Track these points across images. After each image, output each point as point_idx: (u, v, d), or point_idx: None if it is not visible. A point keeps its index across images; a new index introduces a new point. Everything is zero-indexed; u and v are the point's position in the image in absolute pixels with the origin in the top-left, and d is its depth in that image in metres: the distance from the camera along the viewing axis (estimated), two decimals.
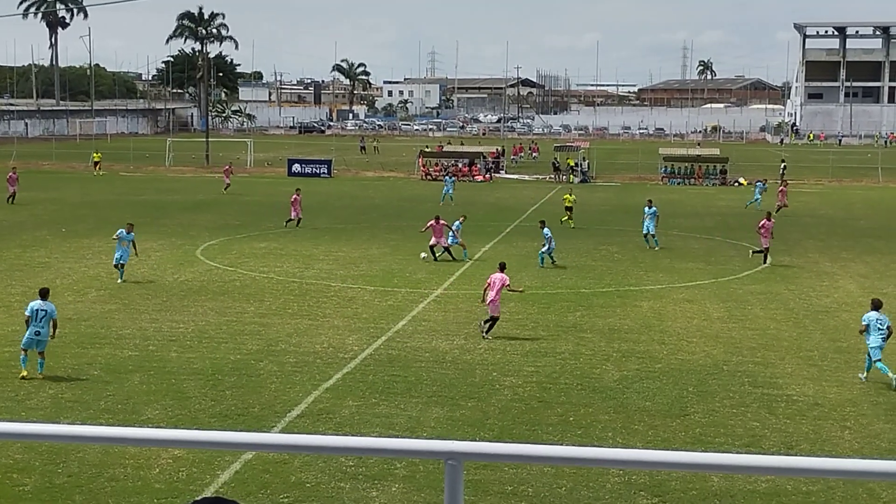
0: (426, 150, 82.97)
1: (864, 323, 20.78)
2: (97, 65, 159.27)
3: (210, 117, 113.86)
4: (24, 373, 19.88)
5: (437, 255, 34.35)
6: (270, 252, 36.69)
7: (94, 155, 76.87)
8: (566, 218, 44.55)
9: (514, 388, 19.87)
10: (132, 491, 14.39)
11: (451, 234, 35.05)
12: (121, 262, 30.09)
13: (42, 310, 20.20)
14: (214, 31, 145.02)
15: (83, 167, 78.33)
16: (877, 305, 21.05)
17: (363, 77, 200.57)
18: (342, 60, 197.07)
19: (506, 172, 78.25)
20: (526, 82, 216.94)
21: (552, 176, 74.40)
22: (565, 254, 35.61)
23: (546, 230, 34.04)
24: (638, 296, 29.52)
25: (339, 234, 41.65)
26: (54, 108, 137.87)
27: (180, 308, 26.71)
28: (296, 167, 74.02)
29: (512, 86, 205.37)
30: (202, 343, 23.02)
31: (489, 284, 24.62)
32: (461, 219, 36.81)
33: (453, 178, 58.88)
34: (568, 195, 47.35)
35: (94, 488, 14.43)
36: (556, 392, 19.72)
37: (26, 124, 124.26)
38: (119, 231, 30.57)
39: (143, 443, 2.93)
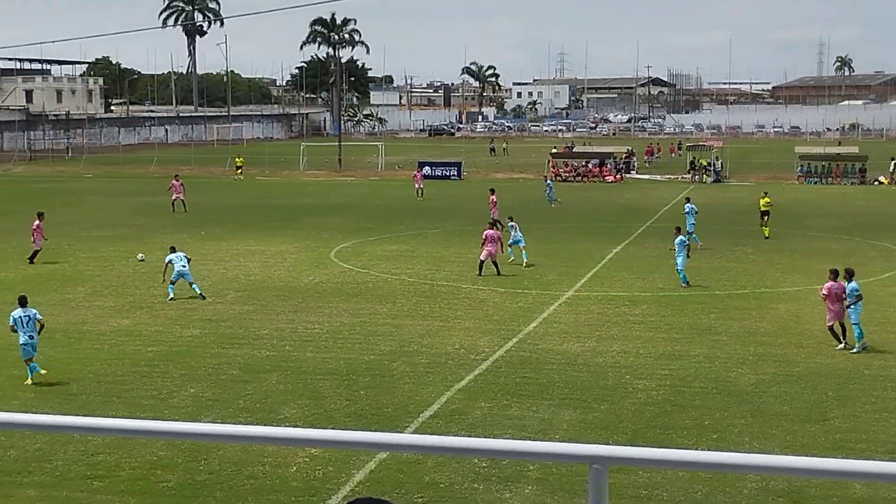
0: (555, 151, 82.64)
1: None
2: (233, 71, 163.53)
3: (342, 121, 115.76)
4: (29, 381, 20.07)
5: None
6: (402, 254, 37.07)
7: (237, 160, 79.02)
8: (762, 225, 41.11)
9: (647, 391, 19.64)
10: (270, 489, 14.72)
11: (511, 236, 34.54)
12: (183, 277, 28.71)
13: (25, 316, 20.21)
14: (346, 36, 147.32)
15: (221, 171, 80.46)
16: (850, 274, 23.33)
17: (492, 79, 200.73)
18: (471, 63, 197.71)
19: (636, 173, 77.37)
20: (656, 81, 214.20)
21: (686, 175, 73.21)
22: (698, 255, 34.99)
23: (681, 237, 31.30)
24: (774, 298, 28.84)
25: (470, 236, 41.74)
26: (192, 114, 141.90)
27: (315, 309, 27.20)
28: (426, 170, 74.53)
29: (642, 85, 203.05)
30: (336, 343, 23.40)
31: (485, 239, 30.95)
32: (509, 220, 36.30)
33: (550, 182, 57.51)
34: (764, 197, 42.36)
35: (233, 485, 14.81)
36: (690, 395, 19.41)
37: (166, 130, 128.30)
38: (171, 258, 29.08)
39: (281, 441, 2.98)
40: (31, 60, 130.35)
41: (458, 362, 21.70)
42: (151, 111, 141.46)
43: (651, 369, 21.21)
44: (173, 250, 29.11)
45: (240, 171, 77.38)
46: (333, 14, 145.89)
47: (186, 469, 15.37)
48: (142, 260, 34.47)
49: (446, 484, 14.78)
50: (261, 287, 30.32)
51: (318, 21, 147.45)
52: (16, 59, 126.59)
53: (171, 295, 28.29)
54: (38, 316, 20.52)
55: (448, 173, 74.98)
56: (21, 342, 20.12)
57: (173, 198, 52.00)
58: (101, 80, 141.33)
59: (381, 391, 19.60)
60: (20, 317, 20.20)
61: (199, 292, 28.40)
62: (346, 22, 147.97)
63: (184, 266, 28.26)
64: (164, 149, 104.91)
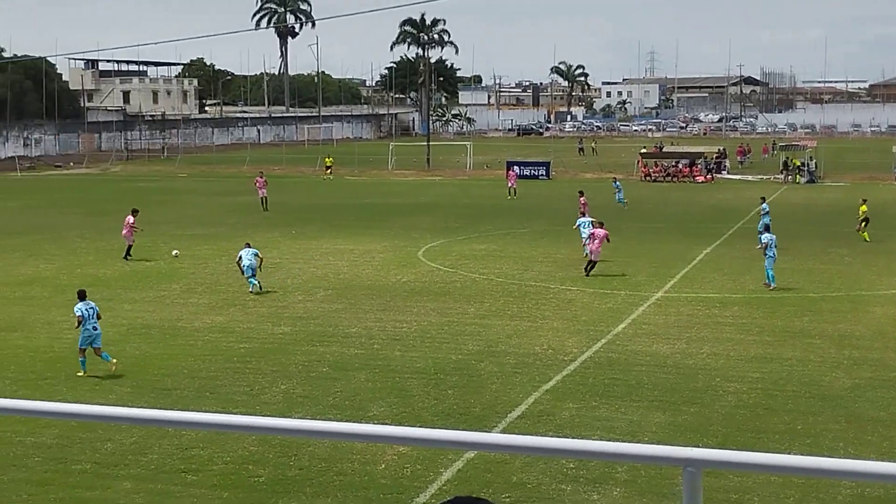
0: (645, 150, 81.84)
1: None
2: (324, 72, 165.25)
3: (431, 121, 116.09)
4: (82, 373, 20.81)
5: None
6: (490, 254, 37.09)
7: (327, 160, 79.83)
8: (859, 230, 39.85)
9: (738, 395, 19.37)
10: (359, 486, 14.86)
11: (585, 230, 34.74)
12: (250, 273, 29.41)
13: (90, 308, 21.11)
14: (436, 36, 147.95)
15: (311, 171, 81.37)
16: None
17: (581, 79, 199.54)
18: (560, 63, 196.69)
19: (728, 173, 76.24)
20: (749, 80, 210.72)
21: (779, 176, 71.91)
22: (791, 257, 34.37)
23: (764, 236, 30.86)
24: (870, 301, 28.20)
25: (558, 235, 41.62)
26: (284, 114, 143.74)
27: (403, 308, 27.37)
28: (514, 169, 74.39)
29: (734, 84, 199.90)
30: (424, 342, 23.52)
31: (593, 236, 31.70)
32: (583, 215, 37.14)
33: (619, 183, 56.25)
34: (862, 205, 40.74)
35: (323, 481, 14.99)
36: (782, 399, 19.09)
37: (258, 130, 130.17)
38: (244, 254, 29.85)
39: (370, 438, 3.02)
40: (128, 62, 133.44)
41: (546, 363, 21.65)
42: (244, 112, 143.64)
43: (742, 372, 20.92)
44: (248, 246, 30.33)
45: (329, 171, 78.09)
46: (423, 14, 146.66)
47: (277, 464, 15.61)
48: (176, 256, 35.32)
49: (534, 484, 14.77)
50: (350, 285, 30.61)
51: (408, 21, 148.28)
52: (114, 60, 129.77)
53: (251, 288, 29.29)
54: (97, 310, 21.42)
55: (536, 173, 74.75)
56: (84, 333, 20.88)
57: (260, 195, 52.83)
58: (195, 81, 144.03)
59: (469, 391, 19.66)
60: (85, 309, 21.05)
61: (258, 286, 29.33)
62: (435, 22, 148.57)
63: (251, 261, 29.31)
64: (256, 149, 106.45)
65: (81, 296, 21.62)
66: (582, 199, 44.17)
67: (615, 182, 55.10)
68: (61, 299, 28.46)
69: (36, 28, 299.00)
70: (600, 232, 32.35)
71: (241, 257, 29.69)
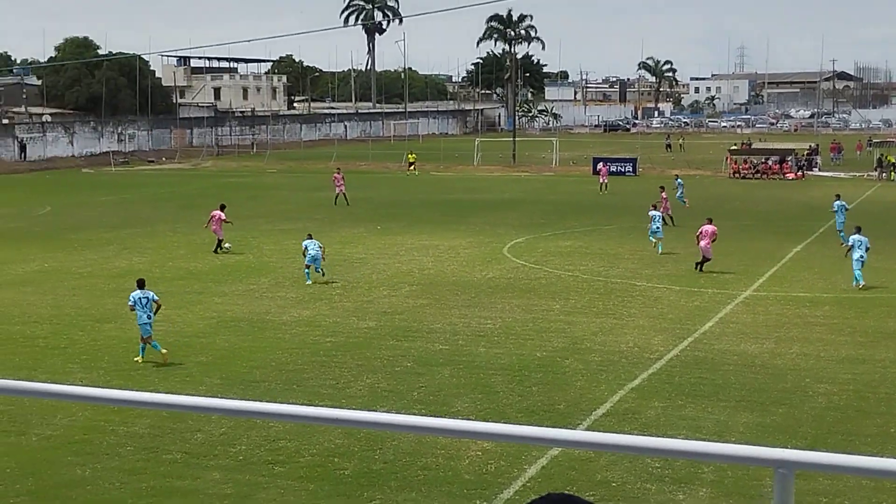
0: (734, 147, 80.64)
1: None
2: (410, 68, 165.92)
3: (517, 117, 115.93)
4: (139, 359, 21.55)
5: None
6: (575, 250, 36.92)
7: (410, 156, 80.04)
8: None
9: (829, 396, 18.99)
10: (443, 480, 14.91)
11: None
12: (315, 261, 30.14)
13: (144, 297, 21.52)
14: (522, 32, 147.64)
15: (397, 167, 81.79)
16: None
17: (669, 74, 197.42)
18: (648, 58, 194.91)
19: (819, 170, 74.73)
20: (842, 75, 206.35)
21: (873, 173, 70.27)
22: (885, 256, 33.55)
23: (855, 237, 29.75)
24: None
25: (645, 232, 41.18)
26: (371, 110, 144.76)
27: (488, 304, 27.38)
28: (606, 165, 73.87)
29: (826, 79, 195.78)
30: (509, 339, 23.50)
31: (701, 233, 31.73)
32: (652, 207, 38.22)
33: (681, 181, 53.85)
34: None
35: (407, 475, 15.07)
36: (874, 402, 18.67)
37: (345, 126, 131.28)
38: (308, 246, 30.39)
39: (454, 434, 3.02)
40: (219, 59, 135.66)
41: (632, 361, 21.48)
42: (331, 108, 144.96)
43: (833, 373, 20.50)
44: (310, 237, 30.87)
45: (413, 167, 77.55)
46: (510, 10, 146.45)
47: (362, 457, 15.73)
48: (228, 249, 36.23)
49: (618, 483, 14.67)
50: (435, 281, 30.71)
51: (495, 17, 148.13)
52: (205, 57, 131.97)
53: (309, 281, 30.08)
54: (155, 297, 21.84)
55: (623, 169, 74.11)
56: (140, 322, 21.40)
57: (336, 192, 53.28)
58: (284, 78, 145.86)
59: (554, 388, 19.59)
60: (139, 298, 21.52)
61: (321, 275, 30.30)
62: (522, 18, 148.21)
63: (316, 252, 29.95)
64: (343, 145, 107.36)
65: (140, 284, 22.06)
66: (663, 194, 43.84)
67: (677, 179, 54.32)
68: (153, 292, 29.04)
69: (130, 26, 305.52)
70: (709, 228, 32.18)
71: (306, 247, 30.25)
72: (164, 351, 21.53)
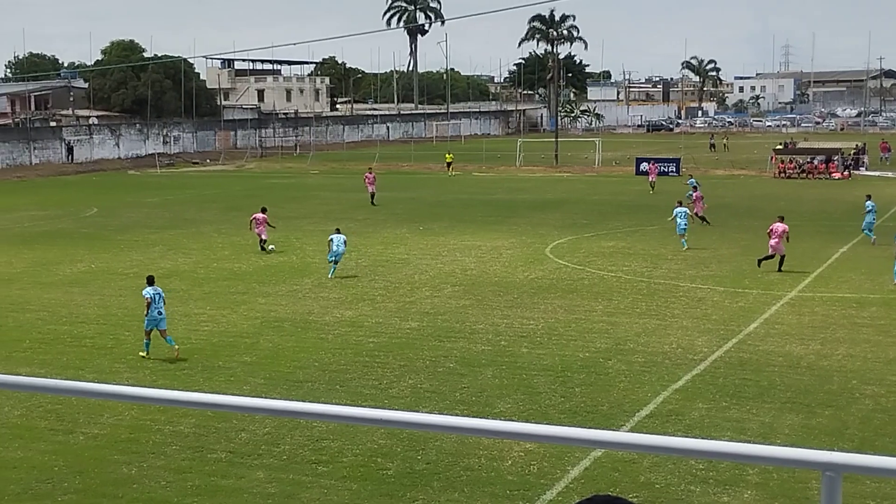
0: (779, 147, 79.87)
1: None
2: (453, 69, 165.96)
3: (559, 117, 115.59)
4: (145, 354, 22.09)
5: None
6: (618, 251, 36.75)
7: (447, 156, 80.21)
8: None
9: (876, 398, 18.76)
10: (486, 481, 14.90)
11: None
12: (337, 257, 31.63)
13: (156, 294, 22.16)
14: (565, 32, 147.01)
15: (439, 168, 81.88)
16: None
17: (713, 73, 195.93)
18: (692, 57, 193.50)
19: (866, 169, 73.83)
20: (889, 73, 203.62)
21: None
22: None
23: None
24: None
25: (689, 233, 41.01)
26: (413, 111, 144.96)
27: (530, 305, 27.33)
28: (643, 166, 73.55)
29: (874, 77, 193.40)
30: (551, 340, 23.44)
31: (772, 231, 31.42)
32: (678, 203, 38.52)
33: (694, 181, 53.69)
34: None
35: (450, 476, 15.08)
36: None
37: (387, 128, 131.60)
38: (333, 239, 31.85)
39: (497, 434, 3.01)
40: (262, 61, 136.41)
41: (676, 362, 21.35)
42: (374, 109, 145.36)
43: (880, 375, 20.25)
44: (338, 231, 32.28)
45: (451, 167, 78.12)
46: (552, 11, 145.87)
47: (405, 458, 15.76)
48: (272, 250, 36.92)
49: (662, 485, 14.59)
50: (477, 282, 30.70)
51: (537, 18, 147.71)
52: (249, 60, 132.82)
53: (331, 275, 31.29)
54: (163, 294, 22.63)
55: (666, 169, 73.60)
56: (150, 316, 22.00)
57: (369, 191, 54.00)
58: (327, 80, 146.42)
59: (597, 389, 19.52)
60: (153, 294, 22.16)
61: (334, 264, 31.50)
62: (564, 18, 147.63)
63: (339, 247, 31.32)
64: (385, 146, 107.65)
65: (150, 281, 22.75)
66: (696, 192, 43.84)
67: (690, 179, 53.99)
68: (198, 292, 29.34)
69: (175, 29, 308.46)
70: (779, 227, 32.06)
71: (331, 240, 31.46)
72: (176, 347, 22.03)
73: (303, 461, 15.72)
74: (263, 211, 37.72)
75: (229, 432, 16.90)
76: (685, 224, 37.23)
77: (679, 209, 37.66)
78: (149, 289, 22.32)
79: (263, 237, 36.95)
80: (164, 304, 22.40)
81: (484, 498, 14.39)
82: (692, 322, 25.07)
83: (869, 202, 39.40)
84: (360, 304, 27.70)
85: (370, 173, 55.95)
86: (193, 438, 16.72)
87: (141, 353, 22.15)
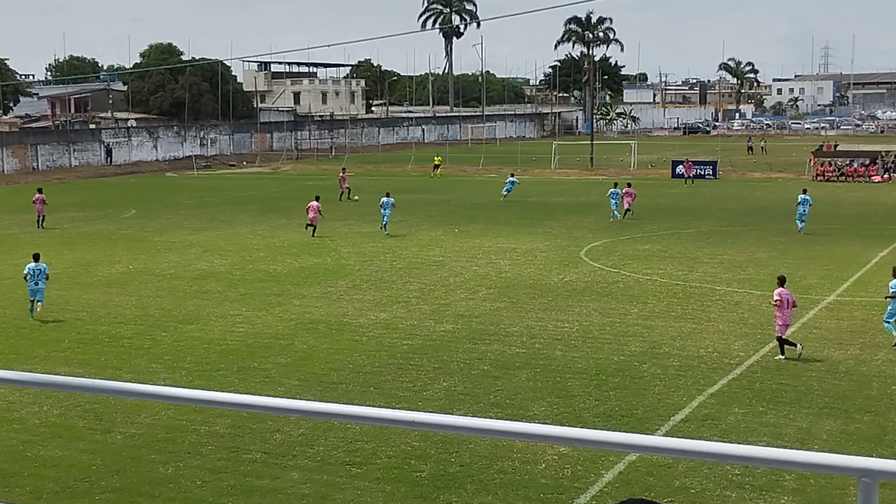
0: (817, 149, 79.22)
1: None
2: (488, 72, 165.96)
3: (595, 120, 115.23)
4: (32, 317, 26.09)
5: None
6: (654, 254, 36.58)
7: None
8: None
9: None
10: (519, 484, 14.88)
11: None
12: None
13: (37, 269, 26.13)
14: (601, 34, 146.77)
15: (474, 170, 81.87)
16: None
17: (751, 75, 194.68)
18: (729, 59, 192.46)
19: None
20: None
21: None
22: None
23: None
24: None
25: (725, 236, 40.77)
26: (448, 114, 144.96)
27: (565, 308, 27.26)
28: (680, 169, 73.15)
29: None
30: (586, 343, 23.37)
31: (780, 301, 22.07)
32: None
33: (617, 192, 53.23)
34: None
35: (484, 479, 15.07)
36: None
37: (423, 130, 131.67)
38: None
39: (531, 437, 3.00)
40: (298, 64, 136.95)
41: (711, 366, 21.22)
42: (409, 111, 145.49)
43: None
44: (388, 195, 41.88)
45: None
46: (589, 13, 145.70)
47: (439, 460, 15.77)
48: (357, 200, 42.34)
49: (697, 490, 14.51)
50: (511, 284, 30.67)
51: (573, 20, 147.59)
52: (285, 62, 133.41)
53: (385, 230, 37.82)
54: (47, 270, 26.50)
55: (703, 172, 73.19)
56: (29, 287, 26.02)
57: (341, 189, 59.31)
58: (363, 82, 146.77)
59: (631, 392, 19.44)
60: (32, 269, 26.10)
61: (384, 229, 38.37)
62: (601, 20, 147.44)
63: (387, 211, 40.54)
64: (420, 148, 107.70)
65: (36, 258, 26.63)
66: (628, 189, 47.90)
67: (616, 187, 53.95)
68: (234, 294, 29.50)
69: (212, 32, 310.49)
70: (786, 295, 22.46)
71: (383, 204, 41.65)
72: (38, 308, 25.99)
73: (337, 462, 15.77)
74: (317, 199, 42.31)
75: (264, 433, 16.98)
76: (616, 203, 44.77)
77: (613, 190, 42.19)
78: (31, 264, 26.24)
79: (315, 224, 41.40)
80: (46, 279, 26.21)
81: (518, 501, 14.36)
82: (728, 326, 24.91)
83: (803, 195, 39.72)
84: (394, 306, 27.75)
85: (343, 173, 62.23)
86: (229, 439, 16.82)
87: (30, 318, 26.01)
